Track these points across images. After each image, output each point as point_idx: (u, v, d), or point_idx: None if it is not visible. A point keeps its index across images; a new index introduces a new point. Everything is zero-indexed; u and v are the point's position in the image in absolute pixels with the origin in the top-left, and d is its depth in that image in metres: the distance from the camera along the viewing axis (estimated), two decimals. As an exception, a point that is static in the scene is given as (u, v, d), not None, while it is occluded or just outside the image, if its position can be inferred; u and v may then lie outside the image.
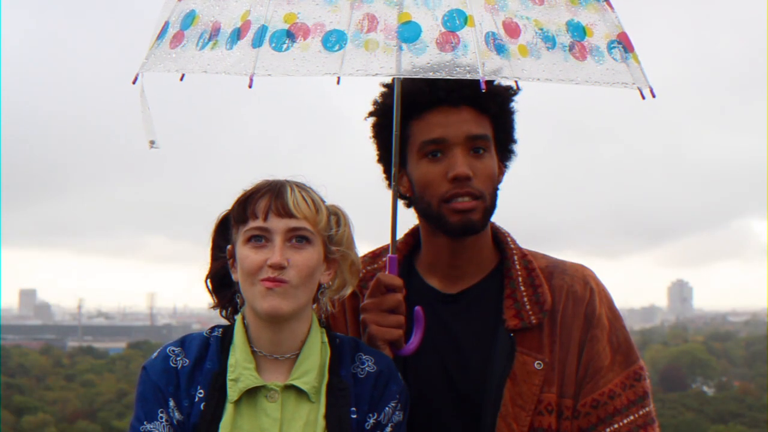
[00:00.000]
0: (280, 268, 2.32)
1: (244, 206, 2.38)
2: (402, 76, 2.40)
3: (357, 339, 2.53)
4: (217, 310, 2.52)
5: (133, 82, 2.55)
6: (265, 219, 2.35)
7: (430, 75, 2.32)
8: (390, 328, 2.53)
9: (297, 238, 2.36)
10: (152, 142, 2.57)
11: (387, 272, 2.61)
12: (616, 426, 2.59)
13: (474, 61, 2.31)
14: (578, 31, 2.50)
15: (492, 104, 2.65)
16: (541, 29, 2.45)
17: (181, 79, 2.60)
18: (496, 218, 2.76)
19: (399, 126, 2.63)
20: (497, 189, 2.68)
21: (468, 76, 2.31)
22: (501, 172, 2.71)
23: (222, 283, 2.49)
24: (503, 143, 2.71)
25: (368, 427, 2.38)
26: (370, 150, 2.78)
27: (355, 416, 2.37)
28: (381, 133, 2.72)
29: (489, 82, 2.65)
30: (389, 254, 2.63)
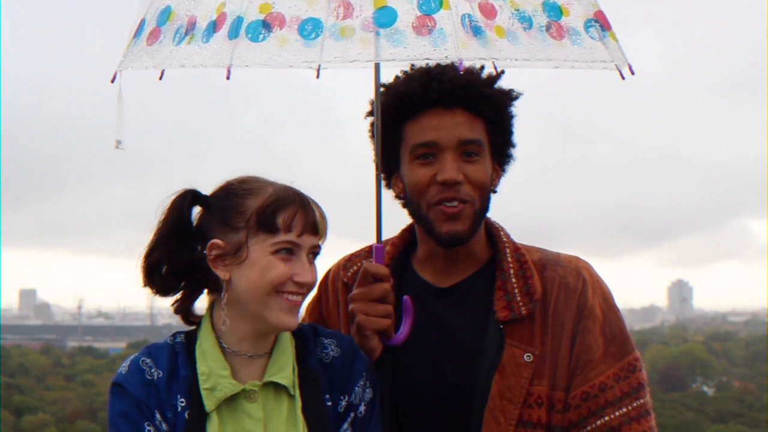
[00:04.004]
0: (309, 285, 2.35)
1: (275, 215, 2.34)
2: (379, 61, 2.39)
3: (314, 324, 2.53)
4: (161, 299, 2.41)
5: (112, 81, 2.55)
6: (299, 235, 2.34)
7: (409, 60, 2.33)
8: (378, 317, 2.53)
9: (313, 254, 2.39)
10: (119, 142, 2.57)
11: (374, 261, 2.62)
12: (606, 418, 2.55)
13: (451, 44, 2.32)
14: (554, 10, 2.50)
15: (487, 107, 2.64)
16: (517, 10, 2.46)
17: (161, 77, 2.60)
18: (493, 217, 2.76)
19: (380, 111, 2.63)
20: (490, 194, 2.67)
21: (445, 60, 2.33)
22: (497, 176, 2.71)
23: (181, 272, 2.39)
24: (500, 147, 2.70)
25: (341, 410, 2.38)
26: (367, 149, 2.78)
27: (329, 403, 2.37)
28: (375, 134, 2.71)
29: (488, 84, 2.67)
30: (375, 244, 2.64)
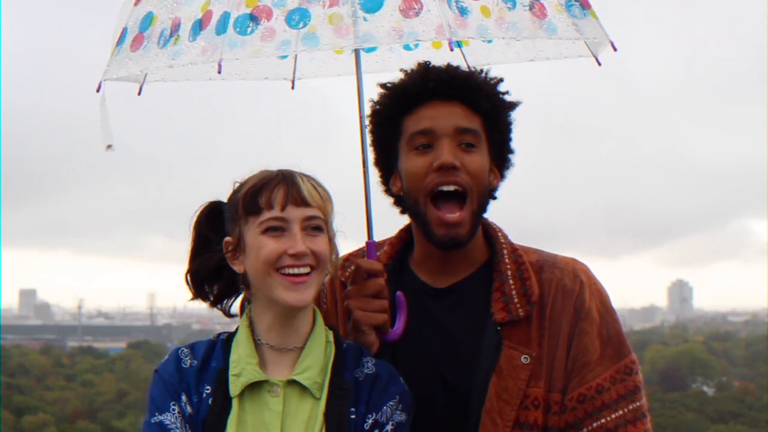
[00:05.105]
0: (303, 256, 2.36)
1: (257, 196, 2.40)
2: (366, 46, 2.41)
3: (362, 346, 2.54)
4: (205, 304, 2.53)
5: (97, 90, 2.57)
6: (283, 209, 2.38)
7: (396, 43, 2.34)
8: (374, 312, 2.55)
9: (312, 227, 2.40)
10: (109, 146, 2.59)
11: (366, 258, 2.63)
12: (603, 421, 2.56)
13: (439, 24, 2.33)
14: None
15: (484, 101, 2.65)
16: None
17: (139, 93, 2.60)
18: (493, 218, 2.77)
19: (361, 96, 2.68)
20: (488, 190, 2.68)
21: (435, 39, 2.34)
22: (495, 178, 2.71)
23: (213, 277, 2.51)
24: (498, 147, 2.70)
25: (367, 427, 2.39)
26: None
27: (354, 416, 2.39)
28: (375, 132, 2.73)
29: (486, 82, 2.68)
30: (367, 240, 2.66)
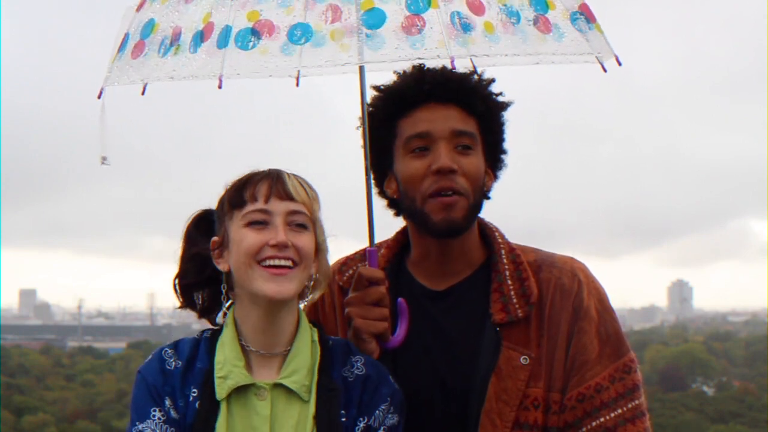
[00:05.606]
0: (284, 247, 2.34)
1: (242, 190, 2.39)
2: (370, 63, 2.40)
3: (349, 342, 2.53)
4: (192, 312, 2.52)
5: (99, 97, 2.56)
6: (266, 201, 2.37)
7: (399, 60, 2.34)
8: (375, 321, 2.54)
9: (296, 223, 2.38)
10: (104, 158, 2.58)
11: (367, 265, 2.62)
12: (602, 419, 2.56)
13: (441, 42, 2.33)
14: (541, 4, 2.51)
15: (479, 103, 2.66)
16: (505, 5, 2.47)
17: (143, 92, 2.60)
18: (491, 218, 2.77)
19: (367, 116, 2.65)
20: (483, 192, 2.68)
21: (437, 58, 2.34)
22: (490, 179, 2.72)
23: (197, 283, 2.49)
24: (492, 148, 2.71)
25: (358, 431, 2.37)
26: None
27: (344, 419, 2.37)
28: (371, 135, 2.72)
29: (480, 84, 2.68)
30: (368, 247, 2.64)
